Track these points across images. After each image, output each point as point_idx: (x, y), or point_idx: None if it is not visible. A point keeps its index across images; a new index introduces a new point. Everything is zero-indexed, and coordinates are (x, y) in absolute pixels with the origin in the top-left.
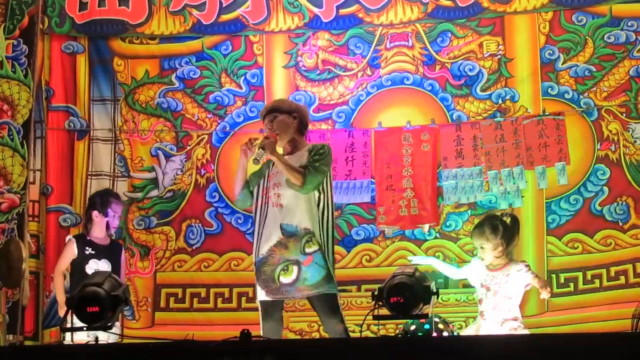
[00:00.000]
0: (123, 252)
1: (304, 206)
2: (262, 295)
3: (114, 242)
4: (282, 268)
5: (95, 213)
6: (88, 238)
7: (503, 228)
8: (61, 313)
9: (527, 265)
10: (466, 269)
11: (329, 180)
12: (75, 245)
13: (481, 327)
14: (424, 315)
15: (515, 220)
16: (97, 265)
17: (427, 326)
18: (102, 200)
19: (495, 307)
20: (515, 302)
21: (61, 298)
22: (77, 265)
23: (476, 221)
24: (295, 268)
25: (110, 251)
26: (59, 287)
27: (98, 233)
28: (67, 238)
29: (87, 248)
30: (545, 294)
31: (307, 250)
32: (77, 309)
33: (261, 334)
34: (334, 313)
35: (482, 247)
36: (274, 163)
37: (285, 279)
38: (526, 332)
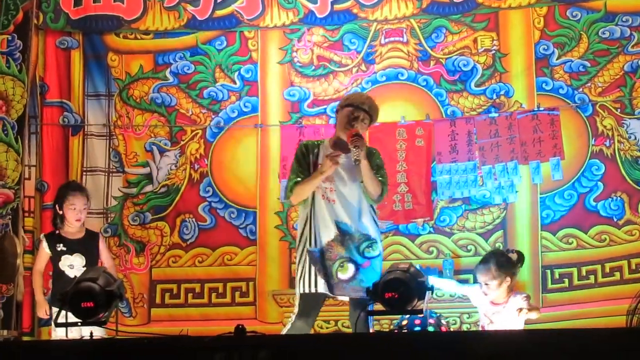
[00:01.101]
0: (101, 241)
1: (360, 208)
2: (322, 286)
3: (89, 233)
4: (339, 264)
5: (58, 207)
6: (58, 233)
7: (509, 265)
8: (39, 312)
9: (527, 297)
10: (466, 289)
11: None
12: (45, 243)
13: None
14: (418, 311)
15: (520, 257)
16: (69, 261)
17: (431, 329)
18: (62, 193)
19: None
20: (519, 325)
21: (39, 298)
22: (53, 263)
23: (470, 216)
24: (351, 266)
25: (84, 244)
26: (36, 287)
27: (68, 227)
28: (40, 236)
29: (58, 245)
30: (534, 315)
31: (367, 254)
32: (72, 304)
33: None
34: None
35: (486, 284)
36: (319, 150)
37: (343, 276)
38: None
